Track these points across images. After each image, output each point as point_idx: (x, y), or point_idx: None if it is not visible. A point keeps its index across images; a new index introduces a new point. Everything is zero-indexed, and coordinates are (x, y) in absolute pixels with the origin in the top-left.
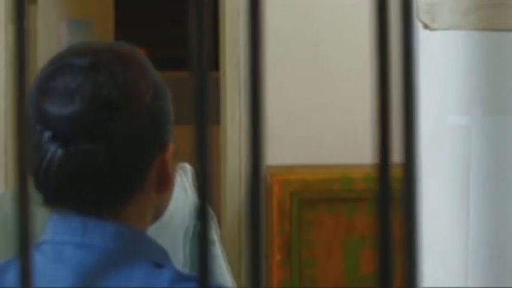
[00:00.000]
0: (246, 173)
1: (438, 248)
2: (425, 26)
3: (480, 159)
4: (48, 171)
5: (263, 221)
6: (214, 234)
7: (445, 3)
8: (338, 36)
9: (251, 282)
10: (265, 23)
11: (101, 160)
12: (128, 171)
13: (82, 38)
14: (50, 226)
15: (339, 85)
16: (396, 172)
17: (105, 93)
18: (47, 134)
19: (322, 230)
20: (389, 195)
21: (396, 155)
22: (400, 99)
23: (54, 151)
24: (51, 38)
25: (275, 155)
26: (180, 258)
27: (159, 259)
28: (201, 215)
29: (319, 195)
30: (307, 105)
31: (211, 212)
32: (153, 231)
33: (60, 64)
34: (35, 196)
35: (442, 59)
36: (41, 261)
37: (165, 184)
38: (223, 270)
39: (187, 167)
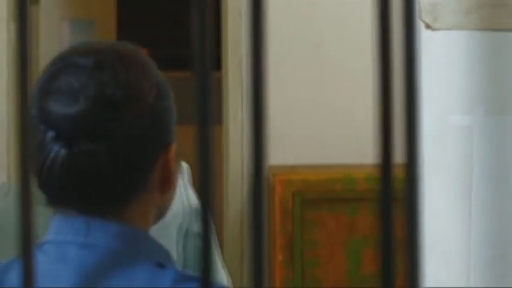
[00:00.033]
0: (248, 173)
1: (440, 248)
2: (427, 26)
3: (482, 159)
4: (52, 171)
5: (265, 221)
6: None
7: (447, 3)
8: (340, 36)
9: (253, 283)
10: (268, 23)
11: (104, 160)
12: (131, 171)
13: (84, 38)
14: (52, 226)
15: (341, 85)
16: (398, 172)
17: (110, 93)
18: (51, 134)
19: (325, 230)
20: (391, 195)
21: (398, 155)
22: (402, 100)
23: (58, 151)
24: (53, 38)
25: (277, 155)
26: (173, 255)
27: (161, 259)
28: (203, 215)
29: (321, 195)
30: (309, 105)
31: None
32: None
33: (64, 64)
34: (37, 196)
35: (444, 59)
36: (43, 261)
37: (168, 184)
38: (218, 266)
39: (184, 165)
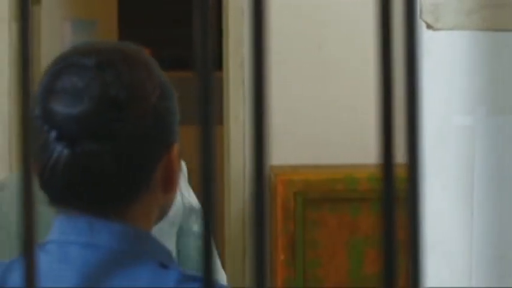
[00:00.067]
0: (249, 173)
1: (442, 248)
2: (429, 26)
3: (484, 159)
4: (55, 171)
5: (267, 221)
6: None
7: (449, 4)
8: (343, 34)
9: (255, 282)
10: (270, 22)
11: (107, 160)
12: (134, 171)
13: (86, 38)
14: (55, 226)
15: (343, 85)
16: (400, 172)
17: (113, 93)
18: (54, 134)
19: (326, 230)
20: (393, 195)
21: (400, 155)
22: (404, 100)
23: (61, 151)
24: (55, 38)
25: (279, 155)
26: None
27: (164, 259)
28: (205, 215)
29: (323, 195)
30: (311, 105)
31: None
32: None
33: (67, 64)
34: (40, 196)
35: (446, 59)
36: (46, 261)
37: (170, 184)
38: (218, 266)
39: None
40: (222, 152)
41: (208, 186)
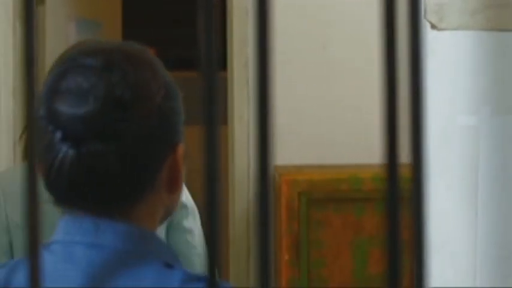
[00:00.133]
0: (254, 173)
1: (447, 248)
2: (433, 26)
3: (488, 159)
4: (60, 171)
5: (271, 220)
6: (191, 223)
7: (453, 4)
8: (347, 35)
9: (259, 282)
10: (274, 22)
11: (113, 160)
12: (139, 171)
13: (90, 38)
14: (60, 226)
15: (347, 85)
16: (405, 172)
17: (119, 94)
18: (59, 134)
19: (331, 230)
20: (397, 195)
21: (404, 155)
22: (408, 100)
23: (66, 151)
24: (59, 38)
25: (283, 155)
26: None
27: (169, 259)
28: (210, 215)
29: (327, 195)
30: (316, 105)
31: (191, 203)
32: None
33: (72, 64)
34: (45, 195)
35: (450, 59)
36: (51, 261)
37: (175, 184)
38: (200, 258)
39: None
40: (227, 152)
41: (212, 186)
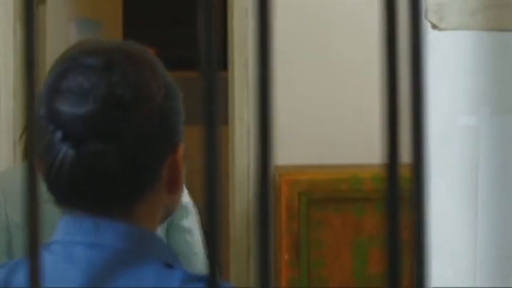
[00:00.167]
0: (254, 174)
1: (447, 248)
2: (434, 26)
3: (488, 159)
4: (60, 171)
5: (271, 221)
6: (191, 223)
7: (453, 4)
8: (347, 35)
9: (259, 282)
10: (274, 22)
11: (113, 160)
12: (139, 171)
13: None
14: (60, 226)
15: (348, 85)
16: (405, 172)
17: (119, 93)
18: (59, 134)
19: (331, 230)
20: (398, 195)
21: (405, 155)
22: (409, 100)
23: (66, 151)
24: (60, 38)
25: (283, 155)
26: None
27: (169, 259)
28: (210, 216)
29: (327, 195)
30: (316, 105)
31: (189, 201)
32: None
33: (72, 64)
34: (45, 195)
35: (450, 59)
36: (51, 261)
37: (176, 184)
38: (199, 257)
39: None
40: (227, 152)
41: (212, 186)
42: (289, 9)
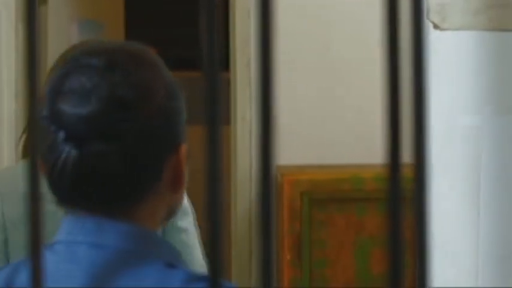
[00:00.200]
0: (256, 173)
1: (449, 247)
2: (436, 26)
3: (491, 159)
4: (63, 171)
5: (273, 220)
6: (187, 223)
7: (455, 4)
8: (349, 35)
9: (261, 282)
10: (277, 23)
11: (115, 160)
12: (141, 171)
13: (93, 38)
14: (63, 226)
15: (349, 85)
16: (407, 172)
17: (121, 94)
18: (62, 134)
19: (333, 230)
20: (400, 195)
21: (407, 155)
22: (411, 100)
23: (69, 151)
24: (62, 39)
25: (285, 155)
26: None
27: (171, 259)
28: (212, 216)
29: (329, 195)
30: (318, 105)
31: (186, 203)
32: None
33: (74, 64)
34: (48, 196)
35: (452, 60)
36: (53, 261)
37: (178, 184)
38: (194, 258)
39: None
40: (229, 152)
41: (214, 186)
42: (289, 10)
